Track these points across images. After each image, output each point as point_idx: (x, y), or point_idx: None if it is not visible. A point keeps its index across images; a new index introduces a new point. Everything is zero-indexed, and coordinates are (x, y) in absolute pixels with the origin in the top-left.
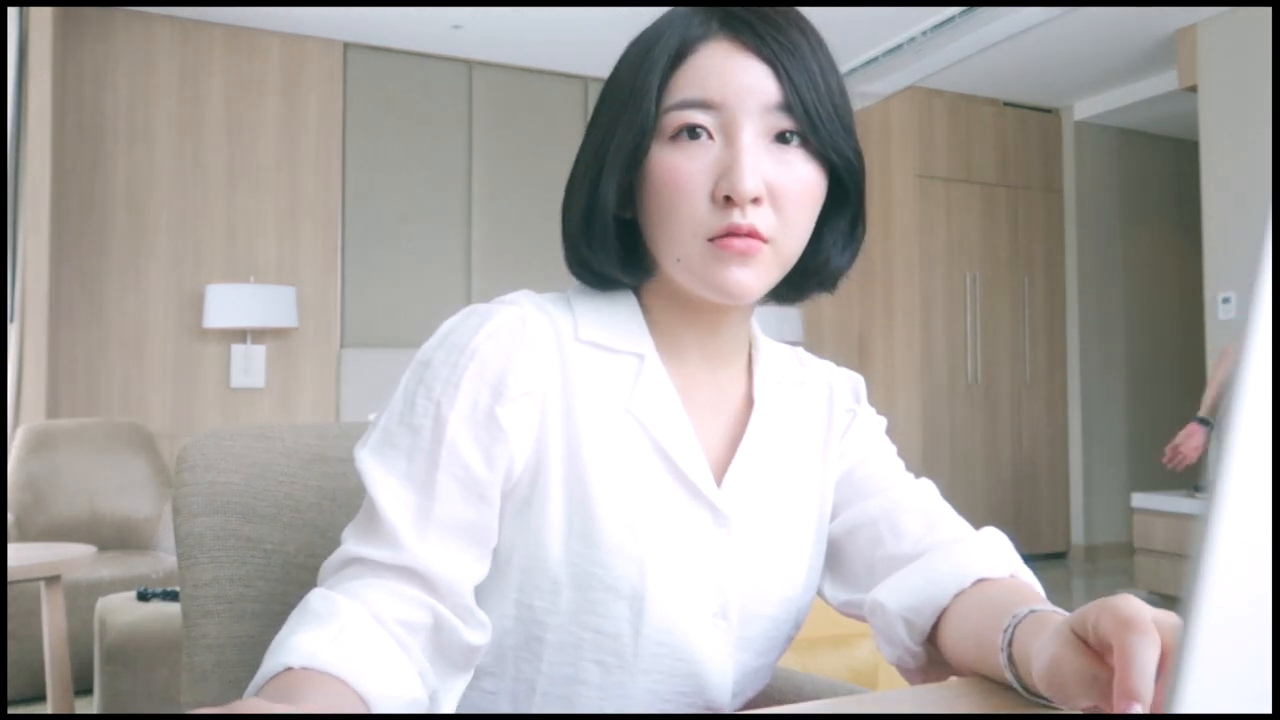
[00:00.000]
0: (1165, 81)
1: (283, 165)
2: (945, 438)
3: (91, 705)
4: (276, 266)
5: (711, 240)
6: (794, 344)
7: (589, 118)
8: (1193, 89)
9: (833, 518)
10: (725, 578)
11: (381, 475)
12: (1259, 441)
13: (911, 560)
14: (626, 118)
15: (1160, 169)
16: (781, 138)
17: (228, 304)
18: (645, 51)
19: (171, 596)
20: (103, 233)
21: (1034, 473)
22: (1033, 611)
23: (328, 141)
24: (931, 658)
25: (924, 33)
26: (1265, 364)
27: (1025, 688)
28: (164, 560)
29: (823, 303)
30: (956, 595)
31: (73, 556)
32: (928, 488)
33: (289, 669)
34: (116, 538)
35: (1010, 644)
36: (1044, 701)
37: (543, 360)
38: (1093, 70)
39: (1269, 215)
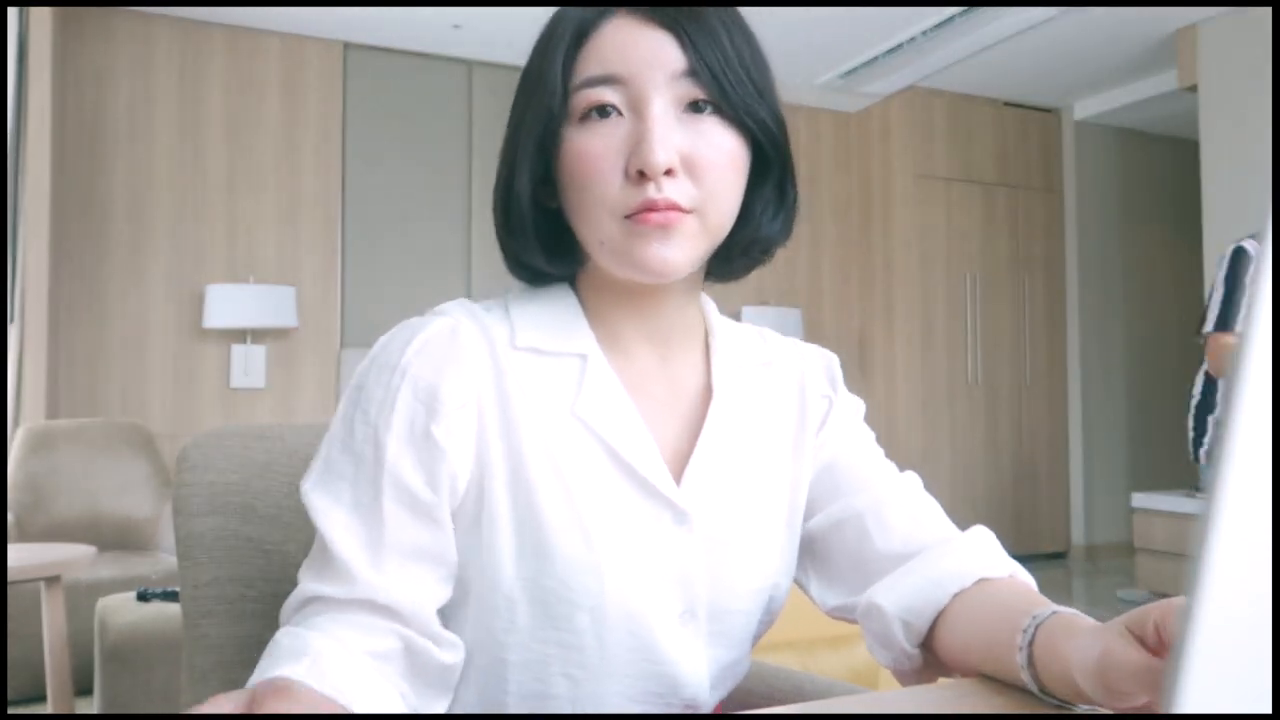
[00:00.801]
0: (1165, 81)
1: (283, 165)
2: (945, 438)
3: (91, 705)
4: (276, 266)
5: (629, 218)
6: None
7: None
8: (1193, 89)
9: (815, 511)
10: (691, 576)
11: (328, 509)
12: (1259, 441)
13: (903, 559)
14: (534, 103)
15: (1160, 169)
16: (695, 107)
17: (228, 304)
18: (548, 36)
19: (171, 596)
20: (103, 233)
21: (1034, 473)
22: (1055, 612)
23: (328, 141)
24: (926, 660)
25: (924, 33)
26: (1265, 364)
27: (1041, 688)
28: (164, 560)
29: (823, 303)
30: (955, 595)
31: (73, 557)
32: (913, 481)
33: None
34: (116, 538)
35: (1032, 644)
36: (1058, 703)
37: (476, 371)
38: (1093, 70)
39: (1269, 215)
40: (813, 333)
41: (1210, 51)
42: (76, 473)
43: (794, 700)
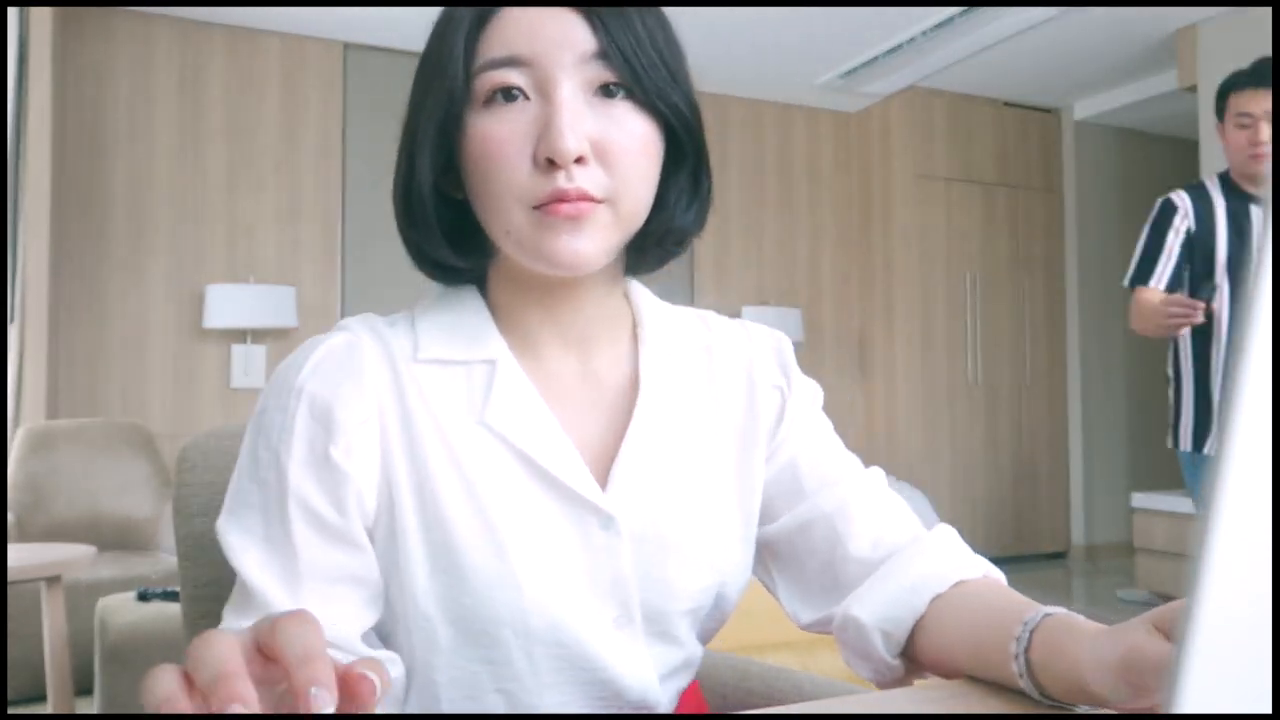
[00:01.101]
0: (1165, 81)
1: (283, 165)
2: (945, 438)
3: (91, 705)
4: (276, 266)
5: (538, 208)
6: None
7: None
8: (1193, 89)
9: (779, 514)
10: (624, 580)
11: (241, 542)
12: (1259, 441)
13: (874, 563)
14: (435, 85)
15: (1160, 169)
16: (606, 91)
17: (228, 304)
18: (448, 16)
19: (171, 596)
20: (103, 233)
21: (1034, 473)
22: (1048, 614)
23: (328, 141)
24: (906, 669)
25: (924, 33)
26: (1265, 364)
27: (1041, 690)
28: (164, 560)
29: (823, 303)
30: (933, 600)
31: (73, 557)
32: (878, 478)
33: None
34: (116, 538)
35: (1029, 646)
36: (1056, 703)
37: (375, 386)
38: (1093, 70)
39: (1269, 215)
40: (813, 332)
41: (1210, 51)
42: (76, 473)
43: (794, 700)
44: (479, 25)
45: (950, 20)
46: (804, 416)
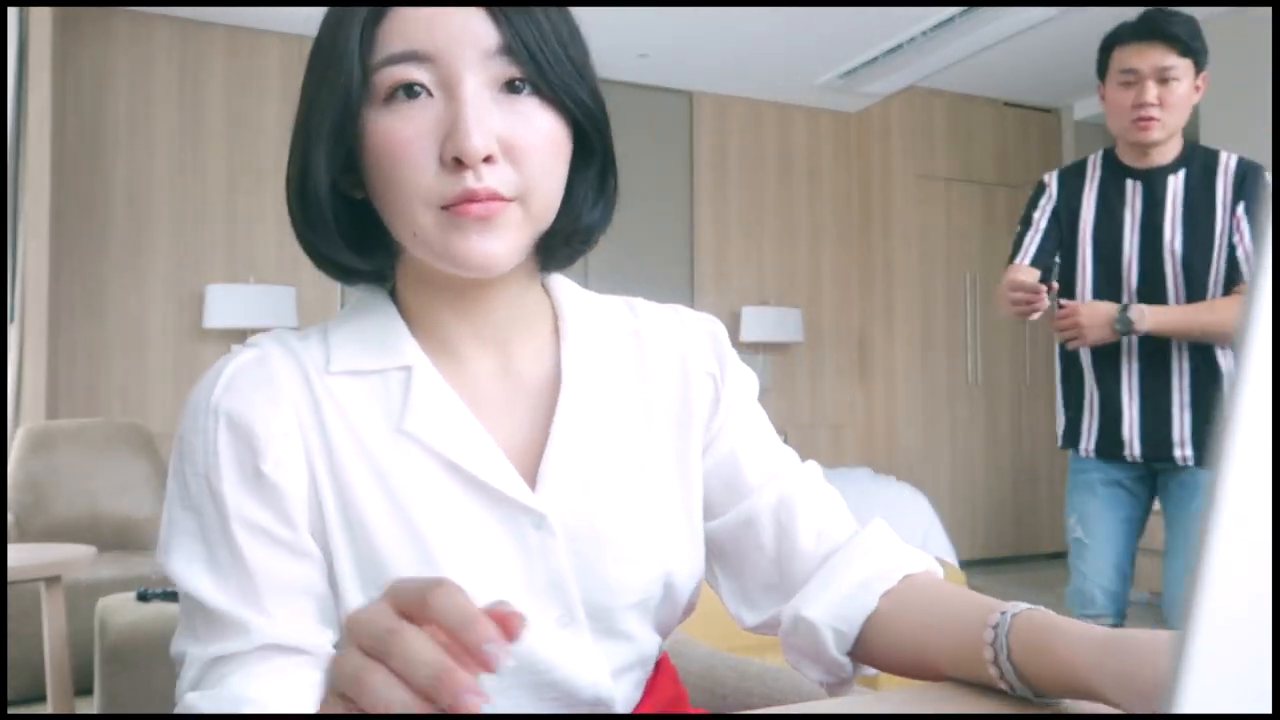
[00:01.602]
0: None
1: (283, 165)
2: (945, 438)
3: (91, 705)
4: (276, 266)
5: (446, 208)
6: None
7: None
8: None
9: (720, 511)
10: (562, 580)
11: (189, 572)
12: (1259, 441)
13: (817, 556)
14: (329, 79)
15: None
16: (511, 87)
17: (228, 304)
18: (340, 8)
19: (171, 596)
20: (103, 233)
21: (1034, 473)
22: (1016, 613)
23: None
24: (855, 669)
25: (924, 33)
26: (1265, 364)
27: (1034, 689)
28: None
29: (823, 303)
30: (883, 595)
31: (73, 557)
32: (816, 472)
33: None
34: (116, 538)
35: (1009, 647)
36: (1048, 699)
37: (290, 399)
38: (1093, 70)
39: (1269, 215)
40: (813, 332)
41: (1210, 51)
42: (76, 473)
43: (793, 700)
44: (375, 17)
45: (950, 20)
46: (740, 406)
